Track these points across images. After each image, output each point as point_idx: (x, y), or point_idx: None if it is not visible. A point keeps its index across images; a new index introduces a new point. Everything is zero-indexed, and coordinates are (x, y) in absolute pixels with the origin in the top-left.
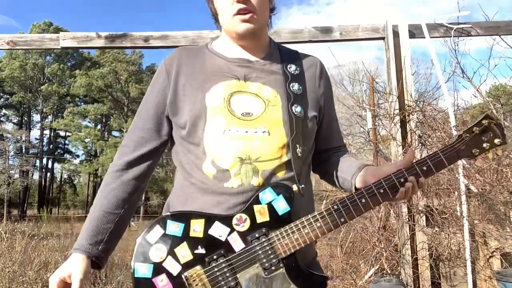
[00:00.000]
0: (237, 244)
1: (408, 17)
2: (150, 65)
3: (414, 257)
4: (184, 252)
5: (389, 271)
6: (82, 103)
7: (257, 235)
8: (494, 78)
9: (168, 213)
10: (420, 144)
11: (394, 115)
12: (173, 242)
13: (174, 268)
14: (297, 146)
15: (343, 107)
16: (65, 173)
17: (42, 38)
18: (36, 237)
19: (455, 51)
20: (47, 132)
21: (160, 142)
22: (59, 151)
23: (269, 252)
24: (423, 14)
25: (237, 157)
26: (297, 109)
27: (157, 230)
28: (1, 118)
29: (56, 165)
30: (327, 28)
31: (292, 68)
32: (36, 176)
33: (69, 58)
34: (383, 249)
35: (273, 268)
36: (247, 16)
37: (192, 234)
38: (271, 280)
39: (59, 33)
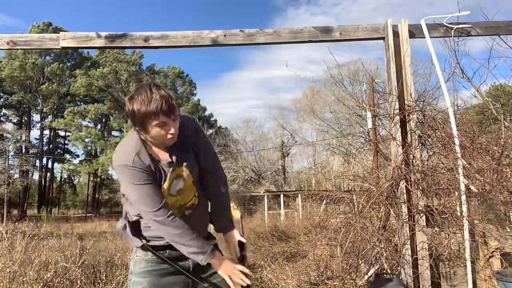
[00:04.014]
0: None
1: (414, 18)
2: (150, 65)
3: (414, 257)
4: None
5: (389, 271)
6: (82, 103)
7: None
8: (493, 78)
9: None
10: (420, 144)
11: (394, 115)
12: None
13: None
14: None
15: (343, 107)
16: (65, 173)
17: (42, 38)
18: (36, 237)
19: (455, 51)
20: (47, 132)
21: None
22: (59, 151)
23: None
24: (429, 14)
25: None
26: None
27: None
28: (1, 118)
29: (56, 165)
30: (327, 28)
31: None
32: (36, 176)
33: (69, 58)
34: (383, 249)
35: None
36: (174, 138)
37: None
38: None
39: (58, 33)
